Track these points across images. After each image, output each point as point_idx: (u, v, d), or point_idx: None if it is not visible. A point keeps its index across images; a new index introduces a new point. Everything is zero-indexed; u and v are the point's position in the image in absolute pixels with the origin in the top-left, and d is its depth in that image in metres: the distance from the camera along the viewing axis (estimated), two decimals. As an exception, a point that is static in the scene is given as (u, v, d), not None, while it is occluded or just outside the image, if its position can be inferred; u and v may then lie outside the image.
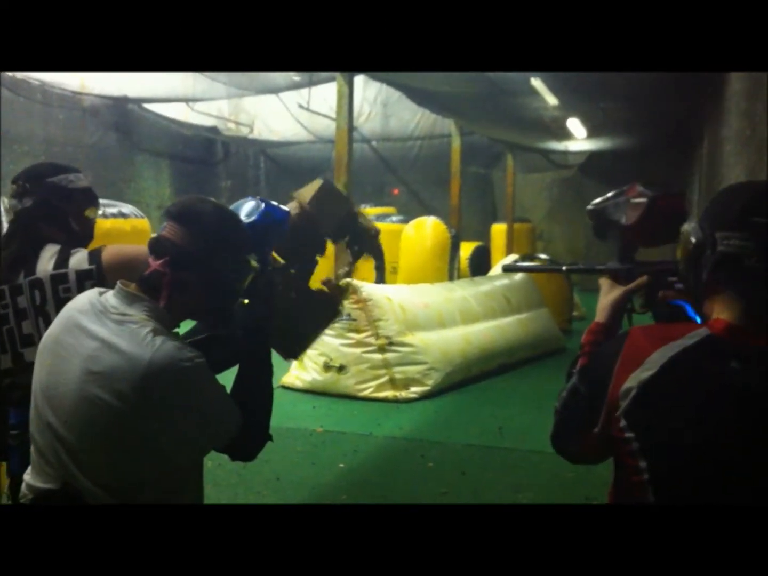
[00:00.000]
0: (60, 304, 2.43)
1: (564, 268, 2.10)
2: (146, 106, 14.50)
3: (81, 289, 2.41)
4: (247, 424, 1.88)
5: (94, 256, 2.49)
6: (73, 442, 1.76)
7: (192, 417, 1.78)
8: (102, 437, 1.74)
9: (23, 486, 1.89)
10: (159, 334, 1.77)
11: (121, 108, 14.11)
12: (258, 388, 1.96)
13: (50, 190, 2.61)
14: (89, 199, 2.72)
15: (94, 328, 1.79)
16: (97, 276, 2.45)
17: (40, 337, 2.43)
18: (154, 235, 2.09)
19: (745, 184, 1.80)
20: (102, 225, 7.25)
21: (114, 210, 7.44)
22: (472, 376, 7.95)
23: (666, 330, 1.56)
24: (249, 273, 1.95)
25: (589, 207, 1.94)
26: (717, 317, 1.51)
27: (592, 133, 13.51)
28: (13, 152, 11.36)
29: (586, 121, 12.47)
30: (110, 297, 1.86)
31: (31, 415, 1.88)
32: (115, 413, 1.72)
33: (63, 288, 2.47)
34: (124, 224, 7.40)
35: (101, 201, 8.29)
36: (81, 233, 2.66)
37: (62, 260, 2.49)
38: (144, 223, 7.73)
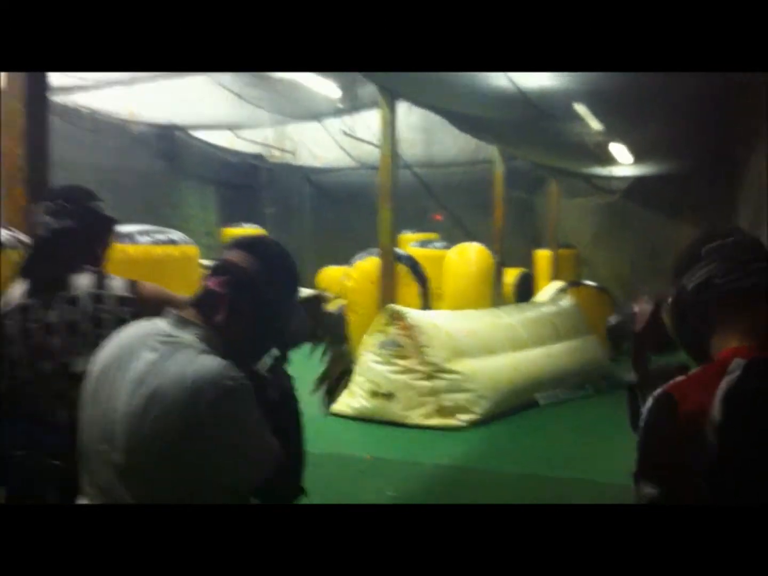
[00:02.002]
0: (96, 322, 2.49)
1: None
2: (193, 133, 14.73)
3: (119, 313, 2.48)
4: (285, 465, 1.86)
5: (134, 287, 2.56)
6: (122, 464, 1.75)
7: (234, 437, 1.76)
8: (148, 457, 1.73)
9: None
10: (207, 354, 1.78)
11: (169, 135, 14.34)
12: (289, 439, 1.93)
13: (90, 214, 2.66)
14: (114, 227, 2.82)
15: (143, 353, 1.80)
16: (136, 305, 2.51)
17: (68, 353, 2.47)
18: (207, 261, 2.12)
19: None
20: (153, 252, 7.34)
21: (164, 237, 7.51)
22: (521, 404, 7.85)
23: (702, 375, 1.58)
24: (296, 316, 2.00)
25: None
26: (727, 347, 1.57)
27: (637, 158, 13.38)
28: (63, 180, 11.58)
29: (631, 146, 12.37)
30: (160, 323, 1.88)
31: (80, 443, 1.88)
32: (161, 432, 1.71)
33: (101, 308, 2.50)
34: (174, 251, 7.46)
35: (151, 228, 8.40)
36: (103, 258, 2.73)
37: (101, 282, 2.55)
38: (193, 250, 7.79)
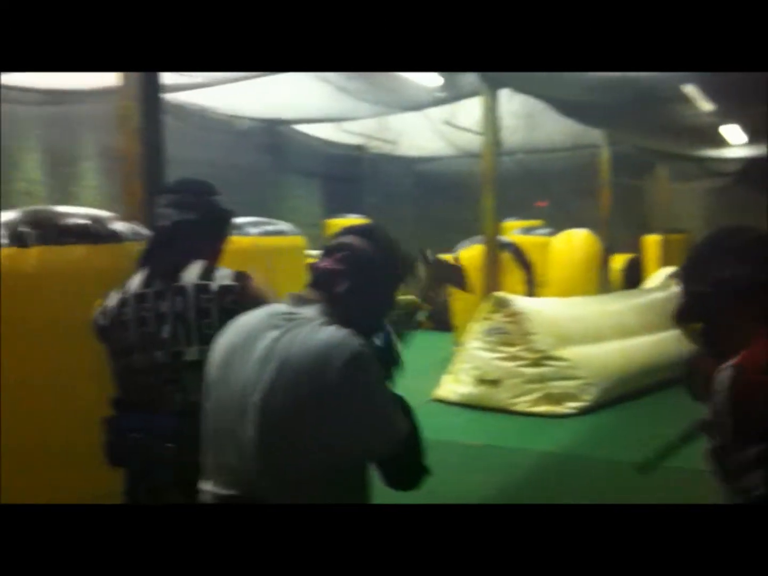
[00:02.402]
0: (200, 312, 2.53)
1: None
2: (296, 127, 14.97)
3: (221, 301, 2.51)
4: (412, 438, 1.87)
5: (241, 277, 2.57)
6: (254, 439, 1.80)
7: (364, 401, 1.79)
8: (280, 428, 1.78)
9: (203, 496, 1.94)
10: (330, 325, 1.84)
11: (273, 130, 14.63)
12: (407, 415, 1.94)
13: (212, 207, 2.72)
14: (232, 220, 2.87)
15: (267, 333, 1.86)
16: (239, 294, 2.51)
17: (178, 342, 2.52)
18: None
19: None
20: (262, 242, 7.52)
21: (273, 228, 7.70)
22: (631, 392, 7.68)
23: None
24: (393, 302, 2.07)
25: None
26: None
27: (751, 139, 12.84)
28: (175, 175, 11.97)
29: (744, 126, 11.87)
30: (279, 305, 1.97)
31: (206, 428, 1.95)
32: (291, 401, 1.76)
33: (205, 298, 2.53)
34: (282, 241, 7.64)
35: (260, 219, 8.60)
36: (220, 251, 2.76)
37: (208, 273, 2.58)
38: (301, 240, 7.95)
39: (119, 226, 4.22)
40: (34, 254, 4.00)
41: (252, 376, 1.82)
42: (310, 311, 1.89)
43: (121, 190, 4.59)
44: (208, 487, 1.93)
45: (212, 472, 1.92)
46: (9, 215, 4.30)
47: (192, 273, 2.57)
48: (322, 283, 1.95)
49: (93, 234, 4.13)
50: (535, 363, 7.18)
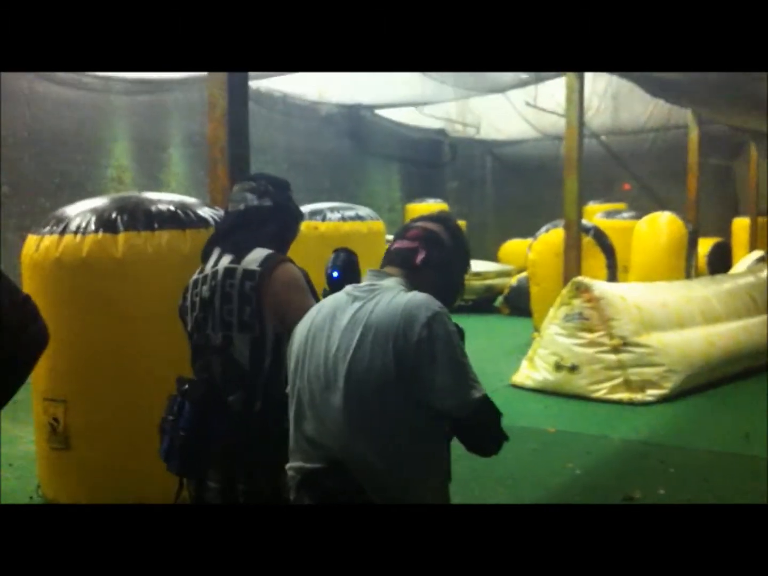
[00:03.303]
0: (224, 298, 2.52)
1: None
2: (378, 112, 15.05)
3: (242, 287, 2.50)
4: (489, 400, 1.91)
5: (268, 260, 2.54)
6: (341, 406, 1.87)
7: (447, 358, 1.85)
8: (367, 389, 1.85)
9: (289, 471, 2.02)
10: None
11: (355, 115, 14.74)
12: None
13: (289, 201, 2.76)
14: (301, 220, 2.89)
15: (348, 306, 1.96)
16: (259, 279, 2.49)
17: (206, 326, 2.54)
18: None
19: None
20: (342, 227, 7.63)
21: (352, 213, 7.79)
22: (715, 380, 7.50)
23: None
24: (463, 287, 2.16)
25: None
26: None
27: None
28: (258, 161, 12.20)
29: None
30: (359, 284, 2.06)
31: (294, 404, 2.01)
32: (378, 360, 1.83)
33: (229, 283, 2.53)
34: (361, 226, 7.72)
35: (340, 204, 8.68)
36: (287, 246, 2.77)
37: (240, 257, 2.57)
38: (379, 225, 8.02)
39: (205, 211, 4.36)
40: (122, 240, 4.18)
41: (338, 346, 1.90)
42: (389, 282, 1.99)
43: (208, 176, 4.73)
44: (295, 464, 2.00)
45: (298, 448, 2.00)
46: (99, 202, 4.50)
47: (251, 259, 2.57)
48: (398, 259, 2.05)
49: (180, 220, 4.28)
50: (615, 349, 7.08)
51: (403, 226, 2.15)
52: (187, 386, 2.57)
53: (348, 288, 2.04)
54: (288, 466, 2.04)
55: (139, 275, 4.21)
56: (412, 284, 1.98)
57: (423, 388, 1.85)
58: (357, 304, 1.94)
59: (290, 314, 2.42)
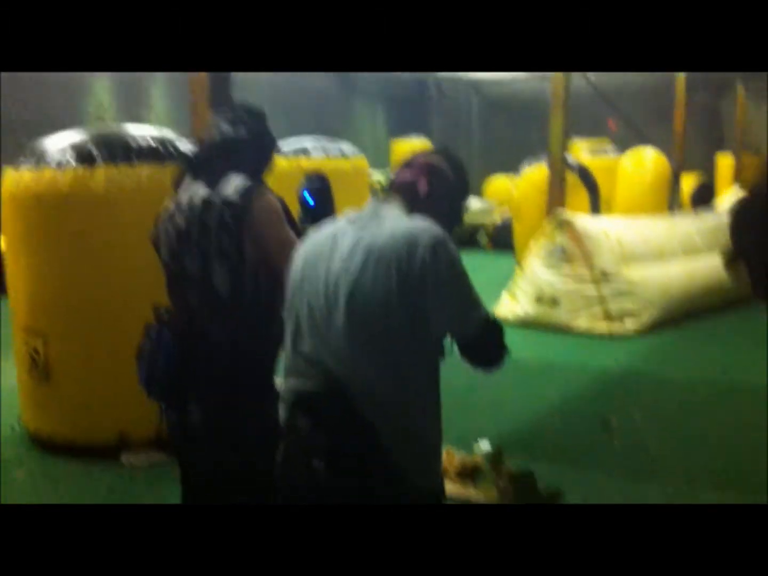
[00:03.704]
0: (202, 227, 2.48)
1: None
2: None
3: (221, 217, 2.46)
4: (493, 320, 1.97)
5: (248, 191, 2.49)
6: (344, 325, 1.88)
7: (451, 280, 1.89)
8: (370, 310, 1.86)
9: (283, 392, 2.04)
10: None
11: (339, 52, 14.51)
12: None
13: (264, 130, 2.70)
14: (276, 149, 2.84)
15: (349, 231, 1.97)
16: (239, 210, 2.46)
17: (183, 256, 2.51)
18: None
19: None
20: (326, 165, 7.61)
21: (335, 150, 7.76)
22: (693, 313, 7.62)
23: None
24: (462, 218, 2.19)
25: None
26: None
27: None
28: (244, 98, 12.04)
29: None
30: (361, 212, 2.06)
31: (292, 324, 2.02)
32: (381, 281, 1.85)
33: (207, 213, 2.49)
34: (345, 164, 7.70)
35: (323, 141, 8.56)
36: (261, 177, 2.70)
37: (218, 187, 2.53)
38: (363, 162, 8.00)
39: (186, 146, 4.33)
40: (102, 174, 4.16)
41: (340, 268, 1.91)
42: (391, 210, 2.00)
43: (189, 113, 4.68)
44: (290, 384, 2.01)
45: (295, 369, 2.00)
46: (77, 135, 4.45)
47: (224, 187, 2.52)
48: (401, 189, 2.06)
49: (160, 154, 4.25)
50: (596, 282, 7.16)
51: (405, 159, 2.16)
52: (165, 315, 2.59)
53: (349, 215, 2.05)
54: (281, 386, 2.06)
55: (119, 210, 4.21)
56: (413, 213, 2.00)
57: (430, 312, 1.87)
58: (359, 230, 1.95)
59: (270, 246, 2.43)
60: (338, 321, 1.89)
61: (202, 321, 2.52)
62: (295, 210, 2.48)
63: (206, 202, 2.52)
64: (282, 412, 2.03)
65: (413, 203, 2.02)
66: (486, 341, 1.97)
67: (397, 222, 1.94)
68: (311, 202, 2.31)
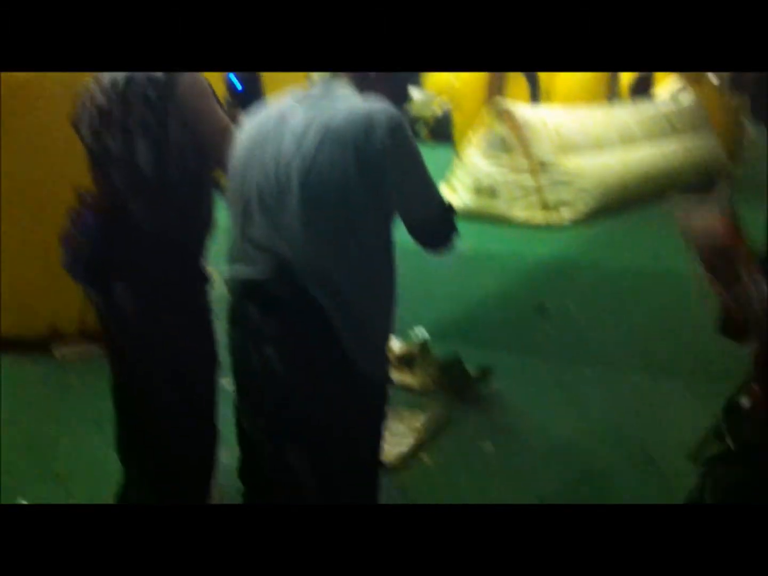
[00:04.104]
0: (126, 106, 2.33)
1: None
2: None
3: (145, 95, 2.32)
4: (447, 207, 1.95)
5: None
6: (298, 209, 1.80)
7: (409, 164, 1.83)
8: (326, 203, 1.79)
9: (227, 280, 1.97)
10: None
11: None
12: None
13: None
14: None
15: (298, 109, 1.86)
16: (164, 87, 2.31)
17: (106, 135, 2.36)
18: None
19: None
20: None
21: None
22: (629, 202, 7.70)
23: None
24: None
25: None
26: None
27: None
28: None
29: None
30: (308, 90, 1.94)
31: (239, 208, 1.93)
32: (338, 165, 1.77)
33: (131, 91, 2.34)
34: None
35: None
36: None
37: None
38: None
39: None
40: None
41: (293, 149, 1.81)
42: (341, 89, 1.89)
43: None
44: (236, 271, 1.94)
45: (243, 254, 1.92)
46: None
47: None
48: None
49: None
50: (534, 172, 7.16)
51: None
52: (89, 198, 2.49)
53: (294, 93, 1.93)
54: (226, 274, 1.98)
55: (38, 94, 4.01)
56: (364, 93, 1.90)
57: (389, 194, 1.82)
58: (310, 109, 1.84)
59: (201, 123, 2.33)
60: (292, 203, 1.80)
61: (126, 202, 2.42)
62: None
63: (128, 79, 2.36)
64: (229, 299, 1.97)
65: (363, 84, 1.91)
66: (442, 221, 1.95)
67: (351, 101, 1.83)
68: (239, 86, 2.17)
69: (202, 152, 2.33)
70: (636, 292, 5.49)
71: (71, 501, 2.93)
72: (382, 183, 1.80)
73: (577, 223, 7.19)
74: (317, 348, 1.85)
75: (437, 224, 1.95)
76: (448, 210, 1.96)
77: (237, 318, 1.94)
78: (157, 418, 2.49)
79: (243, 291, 1.91)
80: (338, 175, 1.77)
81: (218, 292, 2.33)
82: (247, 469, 2.08)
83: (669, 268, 5.86)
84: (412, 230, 1.94)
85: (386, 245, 1.92)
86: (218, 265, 2.24)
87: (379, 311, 1.95)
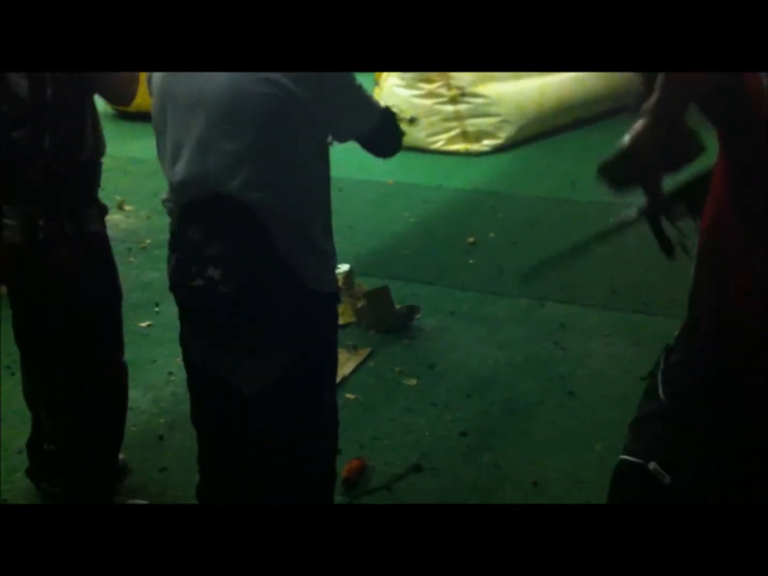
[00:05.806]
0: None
1: None
2: None
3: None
4: (388, 116, 1.97)
5: None
6: (230, 142, 1.78)
7: (348, 89, 1.84)
8: (257, 130, 1.76)
9: (168, 203, 1.94)
10: None
11: None
12: None
13: None
14: None
15: None
16: None
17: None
18: None
19: None
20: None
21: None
22: (547, 130, 7.72)
23: None
24: None
25: None
26: None
27: None
28: None
29: None
30: None
31: (167, 142, 1.88)
32: (269, 101, 1.74)
33: None
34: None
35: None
36: None
37: None
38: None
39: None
40: None
41: (214, 76, 1.76)
42: None
43: None
44: (175, 195, 1.91)
45: (180, 180, 1.87)
46: None
47: None
48: None
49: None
50: (453, 100, 7.09)
51: None
52: None
53: None
54: (163, 196, 1.96)
55: None
56: None
57: (330, 113, 1.82)
58: None
59: None
60: (227, 128, 1.78)
61: (9, 127, 2.31)
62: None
63: None
64: (171, 223, 1.96)
65: None
66: (388, 127, 1.99)
67: None
68: None
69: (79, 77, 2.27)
70: (551, 219, 5.54)
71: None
72: (322, 103, 1.79)
73: (496, 151, 7.18)
74: (263, 267, 1.84)
75: (385, 130, 1.98)
76: (390, 114, 1.99)
77: (178, 242, 1.92)
78: (61, 360, 2.42)
79: (183, 214, 1.90)
80: (267, 102, 1.75)
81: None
82: (198, 412, 2.11)
83: (582, 195, 5.94)
84: (364, 143, 1.99)
85: (321, 165, 1.92)
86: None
87: (318, 232, 1.94)
